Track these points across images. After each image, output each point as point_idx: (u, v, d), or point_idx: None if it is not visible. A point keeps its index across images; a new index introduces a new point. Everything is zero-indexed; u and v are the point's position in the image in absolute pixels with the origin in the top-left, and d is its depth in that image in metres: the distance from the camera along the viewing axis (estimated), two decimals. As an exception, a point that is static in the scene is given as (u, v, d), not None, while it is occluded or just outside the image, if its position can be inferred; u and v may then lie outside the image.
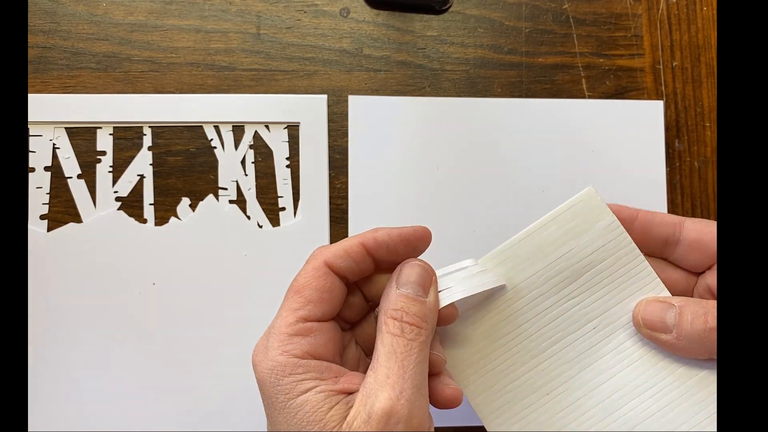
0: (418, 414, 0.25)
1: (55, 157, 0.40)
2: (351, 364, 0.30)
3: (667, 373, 0.31)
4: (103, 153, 0.40)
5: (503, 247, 0.31)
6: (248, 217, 0.40)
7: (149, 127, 0.40)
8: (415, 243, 0.29)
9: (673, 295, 0.31)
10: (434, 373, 0.29)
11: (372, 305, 0.31)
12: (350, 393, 0.26)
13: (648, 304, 0.30)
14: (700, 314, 0.29)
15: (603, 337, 0.31)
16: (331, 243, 0.40)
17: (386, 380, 0.25)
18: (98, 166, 0.40)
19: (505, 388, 0.31)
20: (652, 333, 0.30)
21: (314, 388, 0.25)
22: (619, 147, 0.41)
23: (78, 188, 0.40)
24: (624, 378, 0.31)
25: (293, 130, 0.41)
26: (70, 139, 0.40)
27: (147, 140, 0.40)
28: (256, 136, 0.40)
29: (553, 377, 0.31)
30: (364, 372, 0.27)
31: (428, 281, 0.28)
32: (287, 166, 0.40)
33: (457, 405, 0.28)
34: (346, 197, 0.40)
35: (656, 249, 0.33)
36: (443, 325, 0.30)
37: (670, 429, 0.30)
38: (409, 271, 0.28)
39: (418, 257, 0.30)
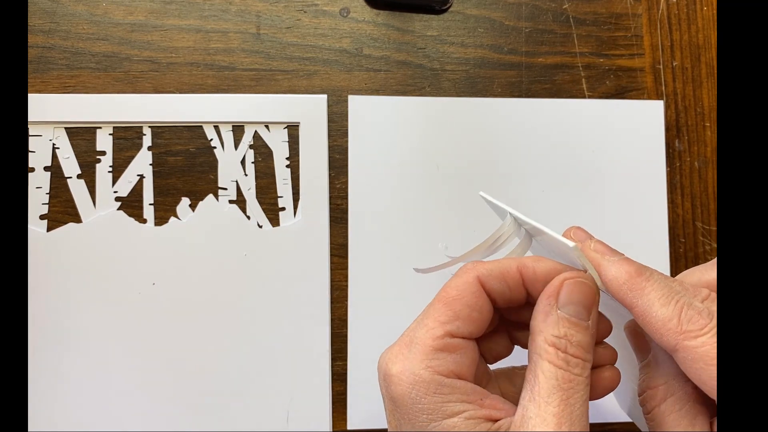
0: None
1: (54, 157, 0.40)
2: (480, 380, 0.28)
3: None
4: (103, 153, 0.40)
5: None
6: (248, 217, 0.40)
7: (149, 127, 0.40)
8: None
9: None
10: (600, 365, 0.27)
11: (505, 319, 0.29)
12: (495, 420, 0.24)
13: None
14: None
15: None
16: (330, 242, 0.40)
17: (552, 418, 0.23)
18: (98, 166, 0.40)
19: None
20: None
21: (462, 413, 0.24)
22: (619, 147, 0.41)
23: (78, 188, 0.40)
24: None
25: (293, 130, 0.41)
26: (69, 139, 0.40)
27: (147, 140, 0.40)
28: (256, 136, 0.40)
29: None
30: (496, 392, 0.26)
31: (592, 301, 0.25)
32: (287, 166, 0.40)
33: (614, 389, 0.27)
34: (346, 197, 0.40)
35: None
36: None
37: None
38: (571, 289, 0.25)
39: (575, 270, 0.26)
